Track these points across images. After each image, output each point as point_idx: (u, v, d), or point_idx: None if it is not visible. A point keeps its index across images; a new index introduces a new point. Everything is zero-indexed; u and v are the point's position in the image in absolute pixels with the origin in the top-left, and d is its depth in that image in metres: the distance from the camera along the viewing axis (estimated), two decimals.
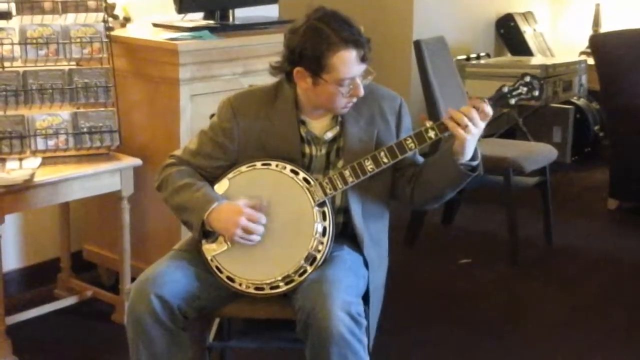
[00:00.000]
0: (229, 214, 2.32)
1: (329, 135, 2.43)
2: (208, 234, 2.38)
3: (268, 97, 2.44)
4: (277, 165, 2.38)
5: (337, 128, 2.43)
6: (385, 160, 2.35)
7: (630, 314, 3.59)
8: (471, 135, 2.30)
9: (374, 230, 2.48)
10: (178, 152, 2.52)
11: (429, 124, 2.35)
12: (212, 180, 2.43)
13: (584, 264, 4.13)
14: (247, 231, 2.31)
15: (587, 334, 3.39)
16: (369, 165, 2.35)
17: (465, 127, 2.28)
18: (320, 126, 2.44)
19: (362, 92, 2.35)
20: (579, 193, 5.24)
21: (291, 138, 2.40)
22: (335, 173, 2.36)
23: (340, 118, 2.43)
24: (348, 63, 2.29)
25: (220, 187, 2.41)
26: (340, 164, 2.42)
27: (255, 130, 2.42)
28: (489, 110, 2.31)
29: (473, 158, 2.36)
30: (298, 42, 2.31)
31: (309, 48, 2.29)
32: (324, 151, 2.43)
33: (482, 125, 2.31)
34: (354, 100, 2.38)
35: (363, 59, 2.31)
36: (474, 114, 2.29)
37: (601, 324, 3.48)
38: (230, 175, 2.41)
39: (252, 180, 2.39)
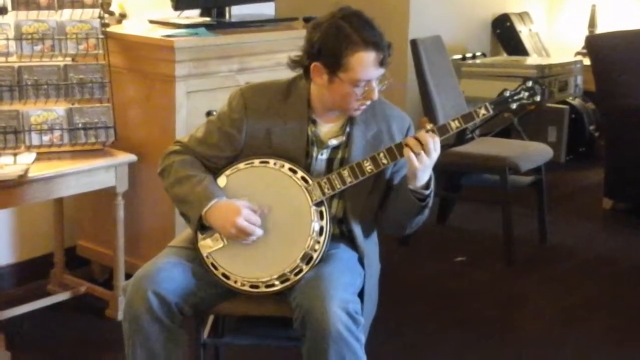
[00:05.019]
0: (227, 212, 2.30)
1: (333, 142, 2.41)
2: (204, 228, 2.37)
3: (281, 93, 2.42)
4: (275, 164, 2.37)
5: (343, 138, 2.42)
6: (384, 161, 2.34)
7: (625, 312, 3.60)
8: (422, 165, 2.27)
9: (368, 238, 2.48)
10: (184, 139, 2.50)
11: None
12: (215, 171, 2.42)
13: (579, 263, 4.13)
14: (244, 232, 2.30)
15: (581, 333, 3.39)
16: (368, 166, 2.34)
17: (417, 155, 2.27)
18: (327, 130, 2.42)
19: (376, 96, 2.34)
20: (574, 193, 5.25)
21: (299, 136, 2.39)
22: (333, 173, 2.35)
23: (347, 129, 2.42)
24: (366, 64, 2.28)
25: (218, 183, 2.39)
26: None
27: (264, 125, 2.40)
28: (433, 145, 2.27)
29: (427, 186, 2.34)
30: (319, 38, 2.30)
31: (329, 44, 2.28)
32: (325, 156, 2.42)
33: (434, 156, 2.28)
34: (367, 103, 2.36)
35: (381, 63, 2.30)
36: (431, 145, 2.27)
37: (595, 323, 3.48)
38: (228, 172, 2.40)
39: (249, 178, 2.38)
